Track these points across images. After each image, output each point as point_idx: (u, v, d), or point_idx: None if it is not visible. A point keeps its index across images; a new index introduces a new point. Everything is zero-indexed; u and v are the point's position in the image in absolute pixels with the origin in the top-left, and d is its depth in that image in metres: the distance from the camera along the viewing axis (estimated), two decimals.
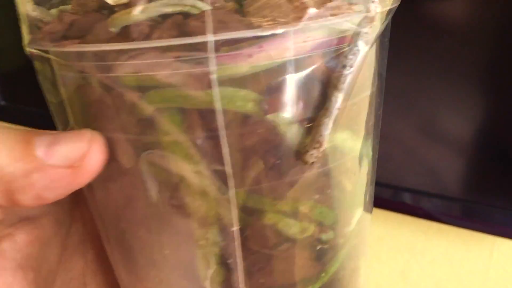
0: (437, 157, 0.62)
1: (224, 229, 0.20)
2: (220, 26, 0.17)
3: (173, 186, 0.19)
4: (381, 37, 0.21)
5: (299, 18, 0.17)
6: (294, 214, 0.20)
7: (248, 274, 0.21)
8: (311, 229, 0.21)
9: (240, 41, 0.17)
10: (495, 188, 0.61)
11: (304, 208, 0.20)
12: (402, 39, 0.55)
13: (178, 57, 0.17)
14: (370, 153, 0.22)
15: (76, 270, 0.26)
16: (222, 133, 0.18)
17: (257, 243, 0.20)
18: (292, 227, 0.20)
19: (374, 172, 0.23)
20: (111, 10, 0.18)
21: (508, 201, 0.61)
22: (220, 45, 0.17)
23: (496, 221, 0.62)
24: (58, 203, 0.24)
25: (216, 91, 0.17)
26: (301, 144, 0.19)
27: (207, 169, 0.19)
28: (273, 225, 0.20)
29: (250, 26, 0.17)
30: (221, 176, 0.19)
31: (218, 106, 0.17)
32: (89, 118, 0.20)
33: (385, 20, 0.20)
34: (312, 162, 0.19)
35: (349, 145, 0.20)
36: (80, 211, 0.26)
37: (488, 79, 0.56)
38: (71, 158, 0.19)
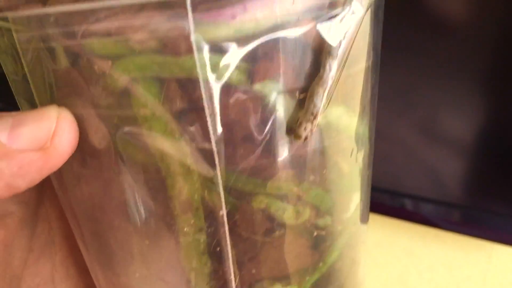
0: (437, 162, 0.61)
1: (210, 214, 0.18)
2: None
3: (152, 167, 0.17)
4: (376, 9, 0.19)
5: None
6: (287, 197, 0.18)
7: (238, 264, 0.19)
8: (306, 213, 0.19)
9: None
10: (494, 194, 0.61)
11: (298, 190, 0.18)
12: (403, 39, 0.54)
13: (153, 17, 0.15)
14: (367, 134, 0.20)
15: (44, 275, 0.24)
16: (206, 105, 0.16)
17: (247, 229, 0.18)
18: (285, 211, 0.18)
19: (371, 154, 0.21)
20: None
21: (507, 207, 0.60)
22: (199, 3, 0.15)
23: (494, 227, 0.61)
24: (21, 201, 0.22)
25: (197, 56, 0.15)
26: (293, 117, 0.17)
27: (190, 146, 0.17)
28: (264, 209, 0.18)
29: None
30: (206, 154, 0.17)
31: (200, 74, 0.15)
32: (55, 94, 0.18)
33: None
34: (306, 137, 0.17)
35: (344, 122, 0.18)
36: (45, 209, 0.24)
37: (490, 84, 0.55)
38: (39, 139, 0.17)
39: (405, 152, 0.62)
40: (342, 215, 0.20)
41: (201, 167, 0.17)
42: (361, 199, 0.21)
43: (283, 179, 0.18)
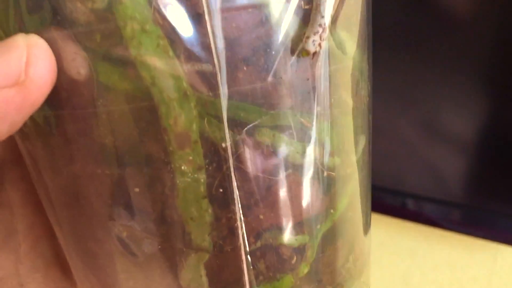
0: (440, 162, 0.61)
1: (211, 148, 0.16)
2: None
3: (141, 96, 0.15)
4: None
5: None
6: (293, 130, 0.17)
7: (244, 208, 0.17)
8: (314, 150, 0.17)
9: None
10: (499, 194, 0.60)
11: (304, 122, 0.16)
12: (407, 37, 0.53)
13: None
14: (366, 70, 0.19)
15: (7, 268, 0.22)
16: (206, 15, 0.14)
17: (252, 167, 0.16)
18: (292, 146, 0.17)
19: (371, 97, 0.20)
20: None
21: None
22: None
23: (500, 227, 0.60)
24: None
25: None
26: (300, 33, 0.16)
27: (186, 65, 0.15)
28: (270, 144, 0.16)
29: None
30: (205, 75, 0.15)
31: None
32: (26, 19, 0.16)
33: None
34: (314, 53, 0.15)
35: (349, 47, 0.17)
36: (6, 194, 0.22)
37: (493, 82, 0.55)
38: (10, 73, 0.15)
39: (408, 151, 0.62)
40: (350, 156, 0.19)
41: (200, 89, 0.15)
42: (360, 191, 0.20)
43: (288, 106, 0.16)
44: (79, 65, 0.16)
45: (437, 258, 0.66)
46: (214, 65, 0.15)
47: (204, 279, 0.17)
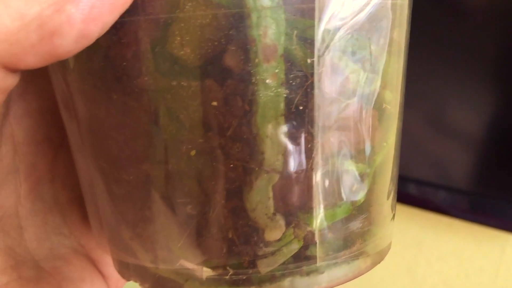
0: (448, 148, 0.61)
1: (296, 63, 0.16)
2: None
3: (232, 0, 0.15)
4: None
5: None
6: (367, 58, 0.17)
7: (317, 129, 0.17)
8: (377, 81, 0.18)
9: None
10: (508, 182, 0.58)
11: (374, 50, 0.17)
12: (413, 30, 0.53)
13: None
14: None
15: (7, 208, 0.21)
16: None
17: (330, 87, 0.16)
18: (363, 74, 0.17)
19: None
20: None
21: None
22: None
23: (509, 217, 0.59)
24: None
25: None
26: None
27: None
28: (347, 68, 0.16)
29: None
30: None
31: None
32: None
33: None
34: None
35: None
36: (11, 128, 0.21)
37: (500, 70, 0.56)
38: None
39: (417, 139, 0.61)
40: (398, 96, 0.19)
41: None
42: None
43: (368, 36, 0.16)
44: None
45: (444, 247, 0.65)
46: None
47: (271, 202, 0.17)
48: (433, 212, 0.63)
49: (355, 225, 0.18)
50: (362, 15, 0.16)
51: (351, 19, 0.16)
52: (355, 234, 0.18)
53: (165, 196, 0.17)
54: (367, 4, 0.16)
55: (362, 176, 0.18)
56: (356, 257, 0.19)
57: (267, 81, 0.15)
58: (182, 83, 0.16)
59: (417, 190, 0.64)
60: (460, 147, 0.60)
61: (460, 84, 0.56)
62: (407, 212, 0.65)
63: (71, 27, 0.14)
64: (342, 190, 0.18)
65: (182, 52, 0.15)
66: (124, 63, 0.16)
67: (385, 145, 0.19)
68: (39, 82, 0.21)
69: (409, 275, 0.67)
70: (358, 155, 0.18)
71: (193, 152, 0.16)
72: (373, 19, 0.16)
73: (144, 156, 0.17)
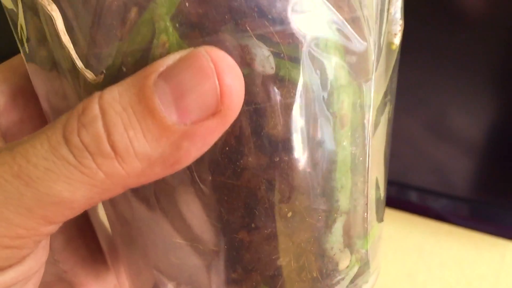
0: (448, 156, 0.62)
1: (360, 124, 0.20)
2: None
3: (315, 85, 0.19)
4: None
5: None
6: None
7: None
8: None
9: None
10: (509, 190, 0.59)
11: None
12: (414, 37, 0.53)
13: None
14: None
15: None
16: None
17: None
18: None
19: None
20: None
21: None
22: None
23: (509, 224, 0.60)
24: None
25: None
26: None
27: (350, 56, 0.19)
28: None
29: None
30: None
31: None
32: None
33: None
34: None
35: None
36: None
37: (501, 77, 0.56)
38: (208, 105, 0.16)
39: (417, 147, 0.63)
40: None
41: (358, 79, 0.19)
42: None
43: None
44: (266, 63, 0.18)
45: (445, 254, 0.66)
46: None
47: (342, 238, 0.20)
48: (434, 219, 0.64)
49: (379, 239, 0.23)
50: None
51: None
52: (377, 247, 0.23)
53: (257, 256, 0.20)
54: None
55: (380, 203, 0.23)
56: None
57: (344, 143, 0.19)
58: (281, 157, 0.19)
59: (418, 198, 0.64)
60: (461, 154, 0.60)
61: (461, 91, 0.57)
62: (408, 219, 0.65)
63: (189, 156, 0.17)
64: (377, 214, 0.22)
65: (275, 131, 0.18)
66: (227, 148, 0.18)
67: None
68: None
69: (410, 282, 0.67)
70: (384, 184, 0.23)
71: (290, 214, 0.19)
72: None
73: (241, 225, 0.19)
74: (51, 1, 0.16)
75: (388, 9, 0.20)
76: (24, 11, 0.18)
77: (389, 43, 0.20)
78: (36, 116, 0.23)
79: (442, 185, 0.62)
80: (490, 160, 0.60)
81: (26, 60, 0.20)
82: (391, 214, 0.65)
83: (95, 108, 0.16)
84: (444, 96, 0.57)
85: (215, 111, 0.16)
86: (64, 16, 0.16)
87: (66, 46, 0.17)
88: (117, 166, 0.16)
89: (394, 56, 0.21)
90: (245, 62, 0.17)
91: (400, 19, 0.21)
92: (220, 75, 0.16)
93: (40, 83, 0.20)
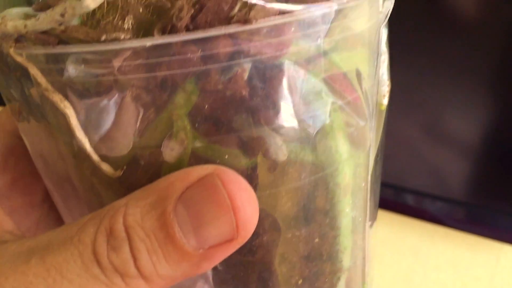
0: (444, 159, 0.63)
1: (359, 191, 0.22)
2: None
3: (324, 164, 0.20)
4: None
5: None
6: None
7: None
8: None
9: None
10: (504, 193, 0.60)
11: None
12: (410, 39, 0.53)
13: None
14: None
15: None
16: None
17: None
18: None
19: None
20: None
21: None
22: None
23: (504, 227, 0.60)
24: None
25: None
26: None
27: None
28: None
29: None
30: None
31: None
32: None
33: None
34: None
35: None
36: None
37: (497, 80, 0.56)
38: (224, 235, 0.17)
39: (413, 150, 0.63)
40: None
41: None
42: None
43: None
44: None
45: (440, 256, 0.66)
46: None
47: None
48: (429, 222, 0.64)
49: None
50: None
51: None
52: None
53: None
54: None
55: None
56: None
57: (346, 210, 0.20)
58: (293, 233, 0.20)
59: (414, 200, 0.65)
60: (456, 158, 0.61)
61: (457, 94, 0.58)
62: (404, 222, 0.66)
63: (208, 268, 0.18)
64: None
65: (286, 209, 0.19)
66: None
67: None
68: None
69: (405, 284, 0.68)
70: None
71: (300, 281, 0.20)
72: None
73: None
74: (63, 98, 0.17)
75: (376, 72, 0.21)
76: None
77: (379, 104, 0.22)
78: (28, 173, 0.24)
79: (438, 188, 0.63)
80: (486, 163, 0.60)
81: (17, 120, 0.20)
82: (387, 217, 0.65)
83: (121, 231, 0.17)
84: (440, 99, 0.58)
85: (231, 239, 0.17)
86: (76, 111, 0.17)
87: (80, 141, 0.17)
88: (143, 285, 0.18)
89: (383, 116, 0.22)
90: (260, 152, 0.18)
91: (388, 79, 0.22)
92: (236, 210, 0.17)
93: (34, 141, 0.20)
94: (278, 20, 0.17)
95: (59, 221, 0.25)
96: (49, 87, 0.17)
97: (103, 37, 0.16)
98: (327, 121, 0.18)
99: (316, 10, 0.17)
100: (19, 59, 0.17)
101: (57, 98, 0.17)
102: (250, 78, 0.17)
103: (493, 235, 0.62)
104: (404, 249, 0.67)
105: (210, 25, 0.16)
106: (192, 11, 0.16)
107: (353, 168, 0.20)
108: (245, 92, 0.17)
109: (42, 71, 0.17)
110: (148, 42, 0.16)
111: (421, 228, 0.66)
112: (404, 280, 0.68)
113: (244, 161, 0.18)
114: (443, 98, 0.57)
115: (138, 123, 0.17)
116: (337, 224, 0.20)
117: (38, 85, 0.17)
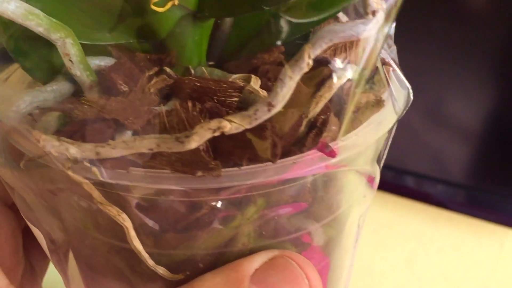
0: (447, 142, 0.63)
1: None
2: None
3: None
4: None
5: None
6: None
7: None
8: None
9: None
10: (509, 178, 0.58)
11: None
12: (412, 23, 0.53)
13: None
14: None
15: None
16: None
17: None
18: None
19: None
20: None
21: None
22: None
23: (508, 211, 0.60)
24: None
25: None
26: None
27: None
28: None
29: None
30: None
31: None
32: None
33: None
34: None
35: None
36: None
37: (499, 64, 0.56)
38: None
39: (415, 133, 0.62)
40: None
41: None
42: None
43: None
44: None
45: (443, 241, 0.66)
46: None
47: None
48: (432, 205, 0.63)
49: None
50: None
51: None
52: None
53: None
54: None
55: None
56: None
57: None
58: None
59: (415, 183, 0.64)
60: (459, 141, 0.61)
61: (459, 78, 0.57)
62: (406, 205, 0.65)
63: None
64: None
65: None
66: None
67: None
68: None
69: (408, 268, 0.67)
70: None
71: None
72: None
73: None
74: (121, 211, 0.17)
75: None
76: None
77: None
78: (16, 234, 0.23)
79: (441, 171, 0.62)
80: (488, 147, 0.60)
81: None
82: (390, 200, 0.65)
83: None
84: (442, 82, 0.58)
85: None
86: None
87: (137, 249, 0.17)
88: None
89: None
90: None
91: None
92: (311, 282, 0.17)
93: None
94: None
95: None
96: (104, 200, 0.17)
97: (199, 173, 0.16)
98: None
99: None
100: (76, 177, 0.17)
101: (114, 211, 0.17)
102: None
103: (497, 220, 0.62)
104: (406, 233, 0.67)
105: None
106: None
107: None
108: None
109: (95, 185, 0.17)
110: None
111: (424, 211, 0.65)
112: (405, 264, 0.67)
113: None
114: (445, 81, 0.57)
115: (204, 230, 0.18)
116: None
117: (90, 198, 0.17)
